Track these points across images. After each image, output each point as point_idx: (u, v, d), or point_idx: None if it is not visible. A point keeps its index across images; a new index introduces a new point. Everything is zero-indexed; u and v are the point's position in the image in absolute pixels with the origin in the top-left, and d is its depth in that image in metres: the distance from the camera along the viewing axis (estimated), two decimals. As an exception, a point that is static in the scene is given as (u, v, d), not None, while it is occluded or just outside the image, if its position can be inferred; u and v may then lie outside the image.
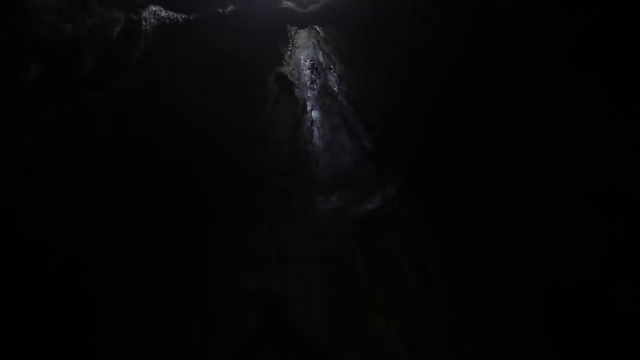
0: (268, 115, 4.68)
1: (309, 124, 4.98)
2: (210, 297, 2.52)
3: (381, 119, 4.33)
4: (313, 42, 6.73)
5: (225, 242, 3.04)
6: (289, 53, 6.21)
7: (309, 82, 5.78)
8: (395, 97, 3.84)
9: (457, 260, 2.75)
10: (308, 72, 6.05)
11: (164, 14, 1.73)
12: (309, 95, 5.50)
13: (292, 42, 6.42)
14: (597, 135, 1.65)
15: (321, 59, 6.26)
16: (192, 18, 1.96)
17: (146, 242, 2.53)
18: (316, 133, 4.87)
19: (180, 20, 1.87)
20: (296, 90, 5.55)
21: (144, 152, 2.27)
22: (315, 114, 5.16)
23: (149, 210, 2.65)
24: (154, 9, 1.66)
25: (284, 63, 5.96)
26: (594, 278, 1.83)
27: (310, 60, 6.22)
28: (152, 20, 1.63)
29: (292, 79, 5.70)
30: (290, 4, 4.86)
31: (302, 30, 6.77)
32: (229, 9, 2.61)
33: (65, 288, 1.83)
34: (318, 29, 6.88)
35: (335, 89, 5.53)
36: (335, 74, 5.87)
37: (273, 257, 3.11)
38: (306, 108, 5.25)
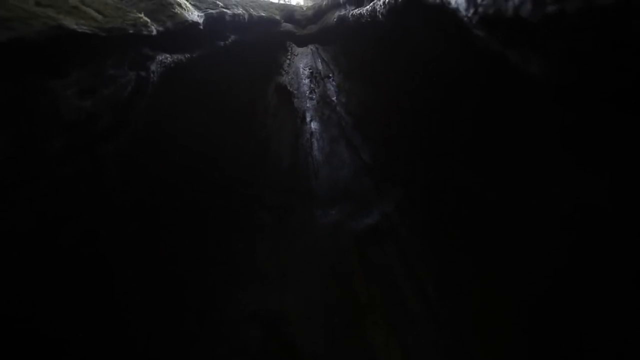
0: (268, 128, 4.70)
1: (308, 135, 4.99)
2: (211, 320, 2.55)
3: (378, 132, 4.33)
4: (312, 49, 6.70)
5: (227, 262, 3.07)
6: (287, 61, 6.19)
7: (307, 92, 5.77)
8: (394, 112, 3.85)
9: (453, 277, 2.76)
10: (307, 80, 6.03)
11: (169, 59, 1.78)
12: (307, 105, 5.50)
13: (291, 50, 6.41)
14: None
15: (320, 66, 6.24)
16: (194, 56, 2.01)
17: (148, 263, 2.57)
18: (315, 145, 4.87)
19: (184, 60, 1.92)
20: (295, 100, 5.56)
21: (146, 185, 2.35)
22: (314, 125, 5.17)
23: (151, 233, 2.69)
24: (160, 58, 1.71)
25: (283, 72, 5.95)
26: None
27: (309, 69, 6.20)
28: (159, 69, 1.69)
29: (291, 89, 5.70)
30: (289, 26, 4.86)
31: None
32: (230, 40, 2.65)
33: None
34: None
35: (334, 98, 5.53)
36: (334, 83, 5.86)
37: (274, 273, 3.13)
38: (305, 119, 5.26)
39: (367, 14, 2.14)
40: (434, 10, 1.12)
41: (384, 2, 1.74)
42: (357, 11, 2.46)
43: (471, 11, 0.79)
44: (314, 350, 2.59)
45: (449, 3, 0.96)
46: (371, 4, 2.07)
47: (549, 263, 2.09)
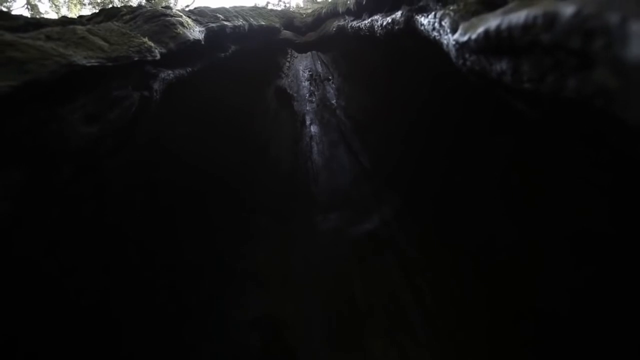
0: (268, 132, 4.72)
1: (308, 139, 5.00)
2: (212, 327, 2.60)
3: (378, 137, 4.34)
4: (311, 51, 6.70)
5: (228, 270, 3.10)
6: (287, 64, 6.20)
7: (307, 95, 5.78)
8: (394, 119, 3.88)
9: (452, 286, 2.78)
10: (307, 83, 6.04)
11: (171, 75, 1.83)
12: (307, 108, 5.51)
13: (291, 52, 6.40)
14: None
15: (319, 69, 6.25)
16: (195, 69, 2.06)
17: (149, 275, 2.62)
18: (315, 148, 4.88)
19: (185, 74, 1.97)
20: (295, 103, 5.57)
21: (148, 199, 2.41)
22: (314, 129, 5.18)
23: (152, 245, 2.73)
24: (162, 75, 1.75)
25: (283, 75, 5.96)
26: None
27: (309, 71, 6.21)
28: (161, 87, 1.74)
29: (290, 92, 5.71)
30: (288, 34, 4.89)
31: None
32: (231, 50, 2.70)
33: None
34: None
35: (334, 101, 5.54)
36: (333, 85, 5.87)
37: (274, 279, 3.16)
38: (305, 122, 5.27)
39: (365, 29, 2.19)
40: (429, 43, 1.17)
41: (381, 25, 1.79)
42: (355, 23, 2.51)
43: (460, 62, 0.84)
44: (313, 356, 2.63)
45: (442, 44, 1.01)
46: (369, 20, 2.11)
47: (547, 285, 2.12)
